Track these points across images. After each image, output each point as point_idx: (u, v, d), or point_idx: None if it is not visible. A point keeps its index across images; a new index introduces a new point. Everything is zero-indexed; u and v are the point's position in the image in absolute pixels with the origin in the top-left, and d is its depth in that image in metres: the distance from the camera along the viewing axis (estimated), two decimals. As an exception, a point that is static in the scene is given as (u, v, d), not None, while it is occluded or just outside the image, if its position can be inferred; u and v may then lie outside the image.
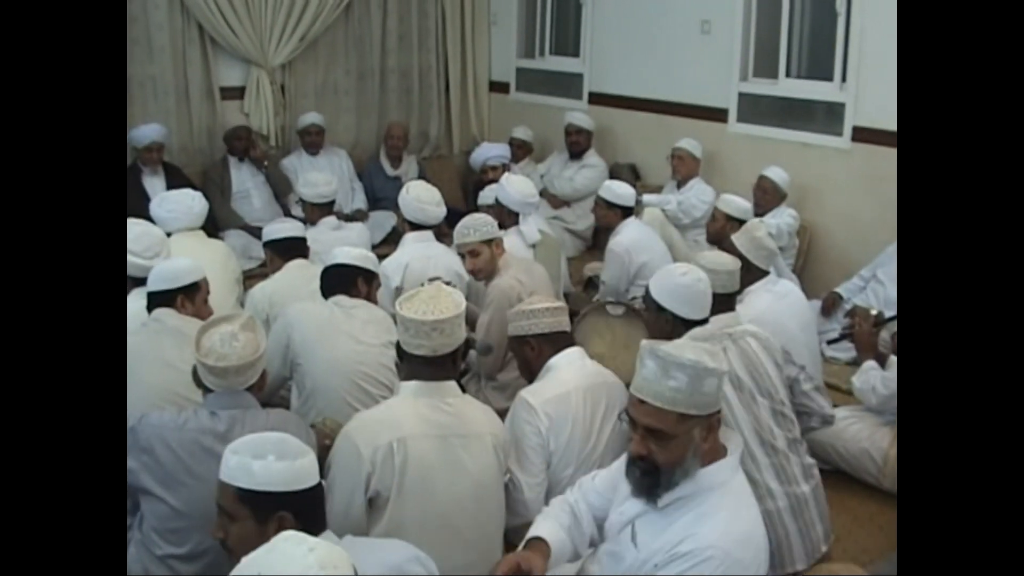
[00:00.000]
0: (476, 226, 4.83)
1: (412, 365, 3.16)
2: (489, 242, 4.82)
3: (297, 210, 6.82)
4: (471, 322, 4.77)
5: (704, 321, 3.57)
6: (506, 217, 5.52)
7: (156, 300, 3.93)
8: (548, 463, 3.47)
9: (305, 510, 2.44)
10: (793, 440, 3.42)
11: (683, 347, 2.60)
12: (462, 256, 4.87)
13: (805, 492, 3.38)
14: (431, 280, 4.71)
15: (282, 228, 5.08)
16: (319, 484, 2.50)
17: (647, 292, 3.65)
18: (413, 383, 3.15)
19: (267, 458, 2.42)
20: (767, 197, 6.41)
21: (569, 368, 3.60)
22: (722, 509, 2.57)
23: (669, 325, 3.50)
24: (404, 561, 2.56)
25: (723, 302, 4.02)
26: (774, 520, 3.29)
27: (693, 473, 2.57)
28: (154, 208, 5.32)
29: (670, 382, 2.51)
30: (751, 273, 4.50)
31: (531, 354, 3.70)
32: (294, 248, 4.97)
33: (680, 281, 3.53)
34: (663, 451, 2.55)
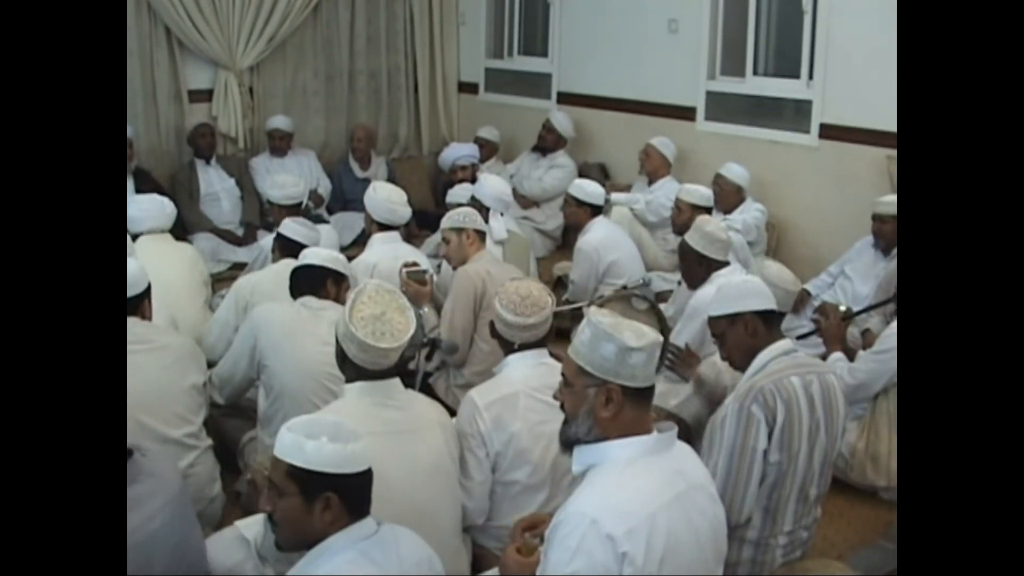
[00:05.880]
0: (451, 215, 4.99)
1: (356, 371, 3.20)
2: (459, 231, 4.90)
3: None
4: (439, 310, 4.79)
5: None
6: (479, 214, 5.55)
7: None
8: (493, 465, 3.47)
9: (352, 494, 2.54)
10: (819, 495, 3.35)
11: (620, 323, 2.65)
12: (445, 241, 4.97)
13: (803, 537, 3.35)
14: (406, 265, 4.77)
15: (297, 231, 4.95)
16: (368, 470, 2.58)
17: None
18: (358, 384, 3.19)
19: (320, 439, 2.50)
20: (724, 194, 6.44)
21: (520, 368, 3.58)
22: (609, 480, 2.53)
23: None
24: (430, 556, 2.72)
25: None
26: (766, 553, 3.25)
27: (589, 434, 2.60)
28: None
29: (581, 336, 2.63)
30: (711, 266, 4.70)
31: (498, 343, 3.70)
32: (294, 250, 4.81)
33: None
34: (567, 399, 2.67)
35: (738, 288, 3.41)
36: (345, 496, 2.52)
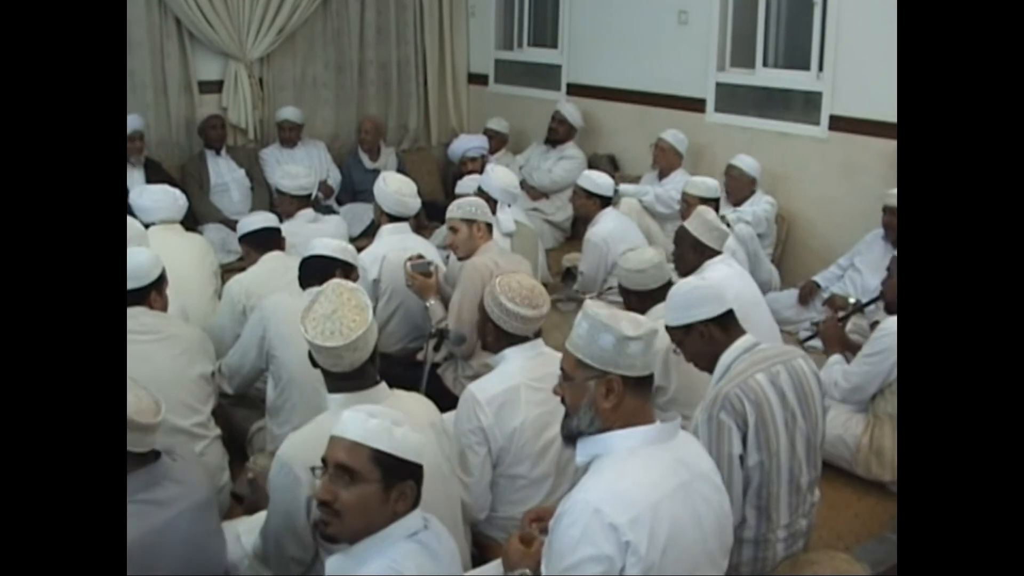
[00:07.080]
0: (462, 204, 4.95)
1: (333, 379, 3.08)
2: (470, 223, 4.87)
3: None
4: (445, 302, 4.80)
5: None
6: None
7: (128, 299, 3.76)
8: (496, 460, 3.47)
9: (420, 486, 2.57)
10: (812, 481, 3.34)
11: (616, 314, 2.66)
12: (453, 230, 4.93)
13: (803, 527, 3.34)
14: (410, 259, 4.79)
15: (255, 221, 5.05)
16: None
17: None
18: (340, 396, 3.04)
19: (404, 427, 2.53)
20: (737, 186, 6.46)
21: (519, 359, 3.58)
22: (612, 469, 2.54)
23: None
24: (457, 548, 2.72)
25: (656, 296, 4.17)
26: (767, 550, 3.25)
27: (592, 426, 2.61)
28: (135, 198, 5.26)
29: (578, 329, 2.65)
30: (705, 253, 4.73)
31: (490, 338, 3.69)
32: (269, 240, 4.95)
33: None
34: (567, 393, 2.68)
35: (686, 297, 3.33)
36: (419, 485, 2.55)
